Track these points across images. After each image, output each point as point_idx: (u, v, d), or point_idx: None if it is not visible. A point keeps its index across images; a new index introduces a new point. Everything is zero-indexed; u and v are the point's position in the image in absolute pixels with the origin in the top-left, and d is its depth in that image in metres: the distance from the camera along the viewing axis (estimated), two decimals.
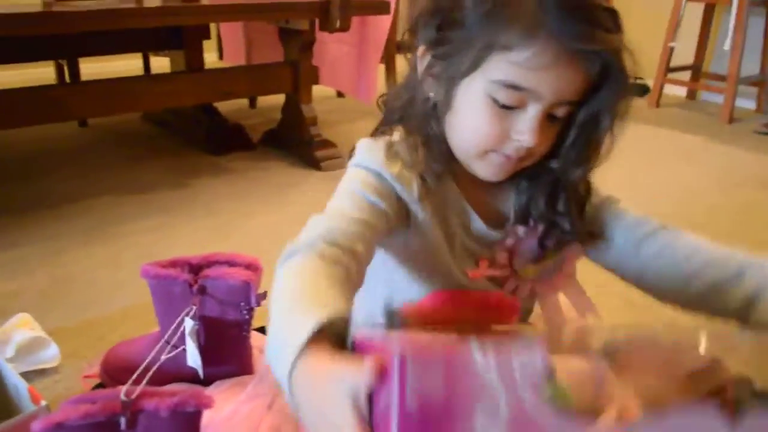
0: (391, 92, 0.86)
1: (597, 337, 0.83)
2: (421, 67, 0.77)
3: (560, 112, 0.72)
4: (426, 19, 0.75)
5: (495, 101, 0.71)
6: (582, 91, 0.72)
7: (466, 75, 0.72)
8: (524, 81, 0.69)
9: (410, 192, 0.77)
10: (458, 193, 0.81)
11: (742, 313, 0.75)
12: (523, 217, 0.83)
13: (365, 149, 0.80)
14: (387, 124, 0.84)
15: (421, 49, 0.76)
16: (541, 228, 0.82)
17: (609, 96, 0.72)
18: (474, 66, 0.71)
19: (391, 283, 0.86)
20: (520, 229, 0.83)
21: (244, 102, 3.09)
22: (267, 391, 0.92)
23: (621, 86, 0.71)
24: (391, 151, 0.79)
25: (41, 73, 2.88)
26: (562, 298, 0.88)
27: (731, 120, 3.22)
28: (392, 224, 0.78)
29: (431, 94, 0.77)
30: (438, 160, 0.79)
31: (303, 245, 0.68)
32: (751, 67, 3.38)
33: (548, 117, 0.72)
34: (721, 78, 3.38)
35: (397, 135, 0.81)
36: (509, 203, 0.85)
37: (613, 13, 0.69)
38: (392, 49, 2.88)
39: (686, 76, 3.64)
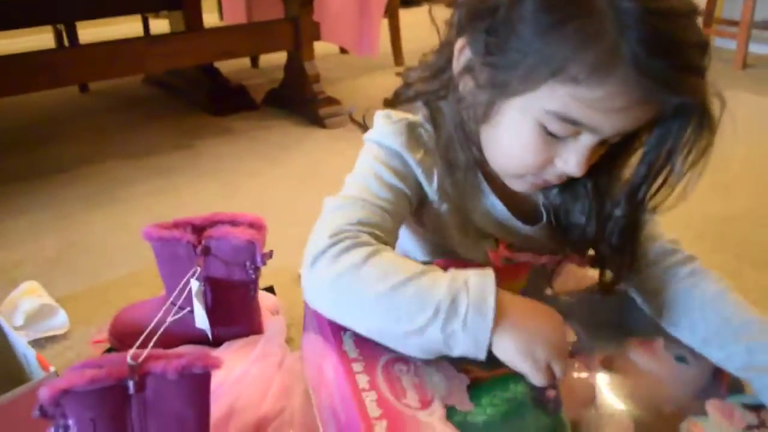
0: (416, 70, 0.77)
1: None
2: (458, 62, 0.68)
3: (614, 139, 0.64)
4: (471, 17, 0.65)
5: (544, 128, 0.63)
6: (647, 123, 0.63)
7: (515, 95, 0.63)
8: (586, 118, 0.60)
9: (430, 181, 0.73)
10: (484, 183, 0.76)
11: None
12: (556, 217, 0.78)
13: (385, 126, 0.73)
14: (408, 101, 0.77)
15: (460, 42, 0.67)
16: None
17: (683, 135, 0.63)
18: (528, 89, 0.61)
19: (401, 246, 0.84)
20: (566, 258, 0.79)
21: (245, 62, 3.04)
22: (277, 350, 0.91)
23: (705, 130, 0.63)
24: (413, 134, 0.73)
25: (40, 39, 2.84)
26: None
27: (745, 66, 3.15)
28: (413, 208, 0.75)
29: (467, 95, 0.68)
30: (466, 153, 0.72)
31: (351, 236, 0.63)
32: (764, 10, 3.29)
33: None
34: (734, 23, 3.29)
35: (419, 114, 0.75)
36: (540, 198, 0.79)
37: (704, 48, 0.59)
38: (395, 2, 2.81)
39: (698, 22, 3.55)
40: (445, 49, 0.71)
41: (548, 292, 0.87)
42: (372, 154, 0.73)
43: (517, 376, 0.64)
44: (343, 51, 3.27)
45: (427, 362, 0.63)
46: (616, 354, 0.72)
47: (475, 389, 0.62)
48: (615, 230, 0.72)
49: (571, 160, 0.64)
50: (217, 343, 0.93)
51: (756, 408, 0.67)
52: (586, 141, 0.63)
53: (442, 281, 0.60)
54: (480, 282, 0.59)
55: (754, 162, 1.98)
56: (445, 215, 0.75)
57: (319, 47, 2.47)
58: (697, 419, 0.64)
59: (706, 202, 1.67)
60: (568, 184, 0.73)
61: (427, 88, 0.74)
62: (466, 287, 0.59)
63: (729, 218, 1.61)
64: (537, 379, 0.59)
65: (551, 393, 0.61)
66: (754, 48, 3.29)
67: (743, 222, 1.60)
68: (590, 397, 0.66)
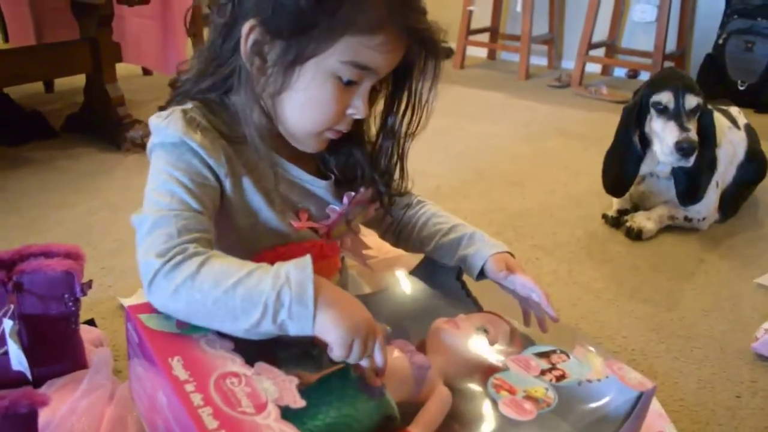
0: (194, 70, 0.83)
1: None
2: (246, 44, 0.76)
3: (376, 84, 0.80)
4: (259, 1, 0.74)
5: (340, 79, 0.76)
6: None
7: (312, 57, 0.75)
8: (371, 61, 0.75)
9: (218, 159, 0.77)
10: (272, 152, 0.82)
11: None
12: (344, 171, 0.89)
13: (160, 123, 0.77)
14: (184, 100, 0.81)
15: (247, 26, 0.75)
16: (369, 192, 0.89)
17: (430, 64, 0.81)
18: (324, 48, 0.74)
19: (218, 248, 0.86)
20: (357, 194, 0.87)
21: (38, 86, 2.84)
22: (105, 382, 0.88)
23: (431, 57, 0.81)
24: (187, 118, 0.77)
25: None
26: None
27: (527, 76, 3.50)
28: (218, 192, 0.78)
29: (259, 74, 0.76)
30: (261, 127, 0.79)
31: (179, 251, 0.68)
32: (541, 26, 3.68)
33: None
34: (516, 38, 3.64)
35: (189, 104, 0.79)
36: (323, 155, 0.89)
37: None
38: (199, 20, 2.78)
39: (485, 38, 3.89)
40: (218, 43, 0.79)
41: (366, 291, 0.94)
42: (162, 161, 0.76)
43: (341, 372, 0.70)
44: (146, 72, 3.16)
45: (257, 371, 0.67)
46: (428, 336, 0.80)
47: (306, 390, 0.66)
48: (382, 156, 0.89)
49: (359, 104, 0.78)
50: (38, 383, 0.88)
51: (546, 354, 0.79)
52: (366, 86, 0.78)
53: (267, 278, 0.68)
54: (299, 274, 0.68)
55: (541, 163, 2.23)
56: (247, 189, 0.80)
57: (121, 68, 2.38)
58: (501, 374, 0.74)
59: (505, 199, 1.86)
60: (343, 139, 0.84)
61: (210, 82, 0.80)
62: (288, 281, 0.67)
63: (523, 212, 1.80)
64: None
65: (375, 380, 0.68)
66: (535, 60, 3.67)
67: (535, 215, 1.80)
68: (409, 376, 0.72)
